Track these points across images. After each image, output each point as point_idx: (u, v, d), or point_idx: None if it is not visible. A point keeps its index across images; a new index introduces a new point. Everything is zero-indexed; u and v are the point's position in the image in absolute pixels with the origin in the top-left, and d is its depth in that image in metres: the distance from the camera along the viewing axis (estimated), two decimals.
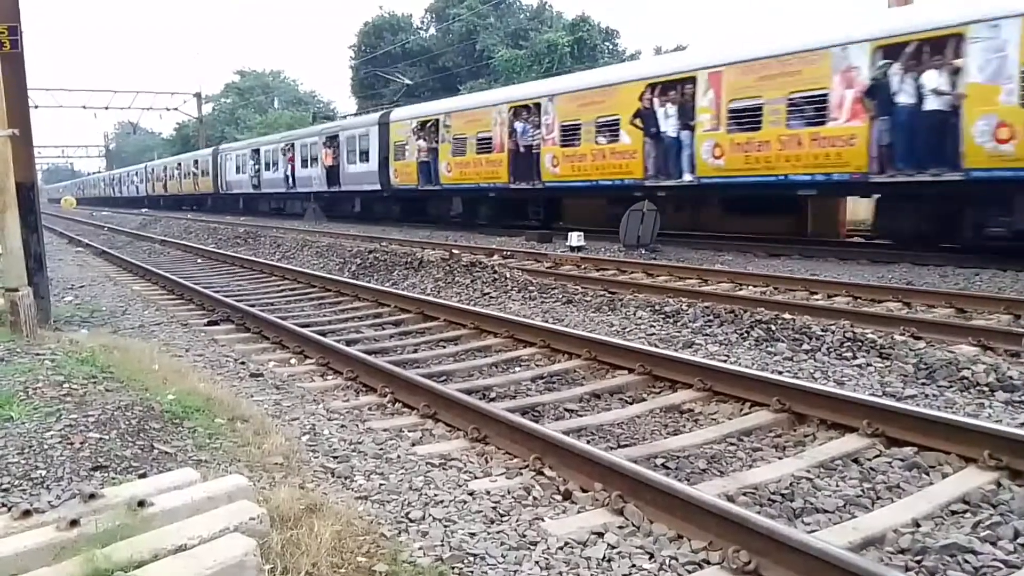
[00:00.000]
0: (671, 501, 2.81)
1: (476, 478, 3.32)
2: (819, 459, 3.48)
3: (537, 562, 2.53)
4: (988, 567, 2.50)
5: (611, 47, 39.70)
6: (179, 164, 43.08)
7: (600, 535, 2.75)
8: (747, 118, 12.18)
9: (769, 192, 12.61)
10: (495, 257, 11.81)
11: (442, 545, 2.60)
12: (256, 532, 2.26)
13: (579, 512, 2.99)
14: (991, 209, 9.88)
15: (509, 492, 3.13)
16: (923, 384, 4.67)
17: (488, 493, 3.10)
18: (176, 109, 49.35)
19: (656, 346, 5.68)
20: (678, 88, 13.45)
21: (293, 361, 5.80)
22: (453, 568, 2.45)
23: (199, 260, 14.30)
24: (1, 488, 2.60)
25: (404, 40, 43.32)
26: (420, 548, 2.55)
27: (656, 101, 13.73)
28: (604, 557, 2.60)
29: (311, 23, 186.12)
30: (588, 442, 3.68)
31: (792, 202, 13.47)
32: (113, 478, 2.73)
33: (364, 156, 23.07)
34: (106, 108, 45.88)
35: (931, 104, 9.97)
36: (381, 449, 3.63)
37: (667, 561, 2.57)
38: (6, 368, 4.08)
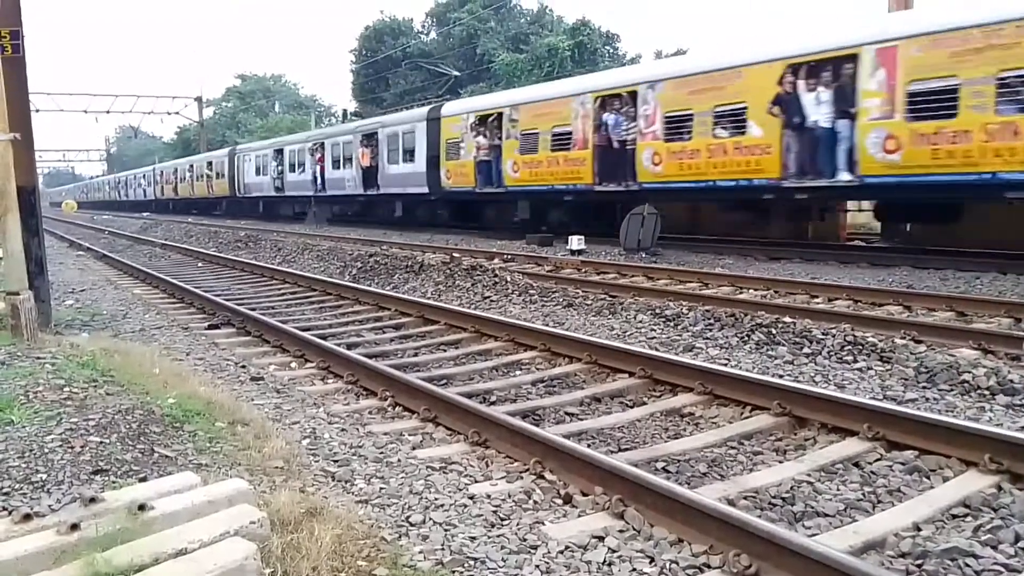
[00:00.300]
0: (672, 505, 2.82)
1: (476, 482, 3.32)
2: (820, 463, 3.48)
3: (538, 566, 2.53)
4: (989, 571, 2.50)
5: (611, 51, 39.73)
6: (191, 166, 40.62)
7: (601, 539, 2.75)
8: (937, 103, 9.74)
9: (959, 196, 10.29)
10: (496, 261, 11.83)
11: (443, 549, 2.60)
12: (256, 536, 2.26)
13: (580, 516, 2.98)
14: None
15: (510, 496, 3.13)
16: (924, 388, 4.66)
17: (489, 497, 3.10)
18: (177, 113, 49.56)
19: (657, 350, 5.68)
20: (831, 68, 11.20)
21: (294, 365, 5.80)
22: (454, 572, 2.45)
23: (200, 264, 14.30)
24: (2, 492, 2.61)
25: (405, 44, 43.40)
26: (420, 552, 2.55)
27: (801, 85, 11.53)
28: (605, 561, 2.60)
29: (312, 27, 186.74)
30: (589, 446, 3.69)
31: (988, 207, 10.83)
32: (113, 482, 2.73)
33: (408, 155, 20.60)
34: (107, 112, 46.14)
35: None
36: (381, 453, 3.63)
37: (668, 565, 2.57)
38: (7, 372, 4.09)
